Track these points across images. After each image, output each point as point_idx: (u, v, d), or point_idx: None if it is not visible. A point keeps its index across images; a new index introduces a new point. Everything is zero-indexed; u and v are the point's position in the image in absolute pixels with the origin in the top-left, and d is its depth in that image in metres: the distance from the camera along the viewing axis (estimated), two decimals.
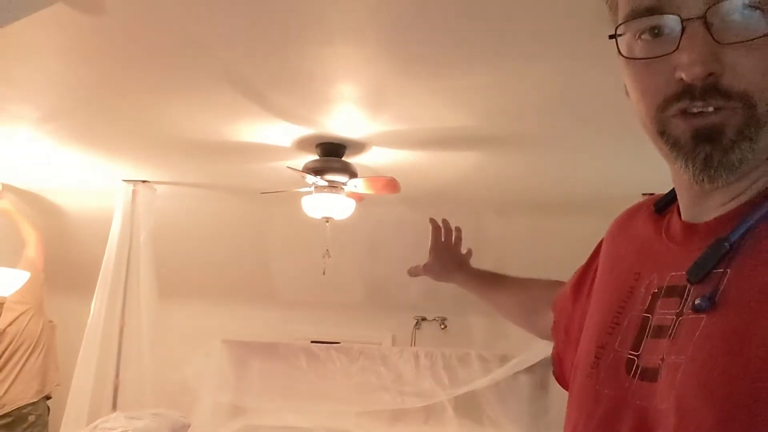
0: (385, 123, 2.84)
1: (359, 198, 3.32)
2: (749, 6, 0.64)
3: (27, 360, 3.98)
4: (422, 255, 1.53)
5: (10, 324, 3.89)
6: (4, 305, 3.63)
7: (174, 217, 4.33)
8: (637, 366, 0.70)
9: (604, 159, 3.15)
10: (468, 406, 3.38)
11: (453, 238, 1.51)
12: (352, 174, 3.10)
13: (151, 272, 4.04)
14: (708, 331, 0.63)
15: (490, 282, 1.39)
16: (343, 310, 4.82)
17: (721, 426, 0.58)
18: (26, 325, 3.99)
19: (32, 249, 4.08)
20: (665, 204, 0.83)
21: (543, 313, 1.13)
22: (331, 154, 3.10)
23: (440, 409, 3.34)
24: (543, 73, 2.25)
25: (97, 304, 3.84)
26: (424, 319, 4.90)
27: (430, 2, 1.85)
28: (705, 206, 0.73)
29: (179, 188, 4.13)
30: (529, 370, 3.36)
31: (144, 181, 3.99)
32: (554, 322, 1.05)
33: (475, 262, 1.48)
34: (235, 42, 2.14)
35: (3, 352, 3.87)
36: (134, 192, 4.00)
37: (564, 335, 1.00)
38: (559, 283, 1.12)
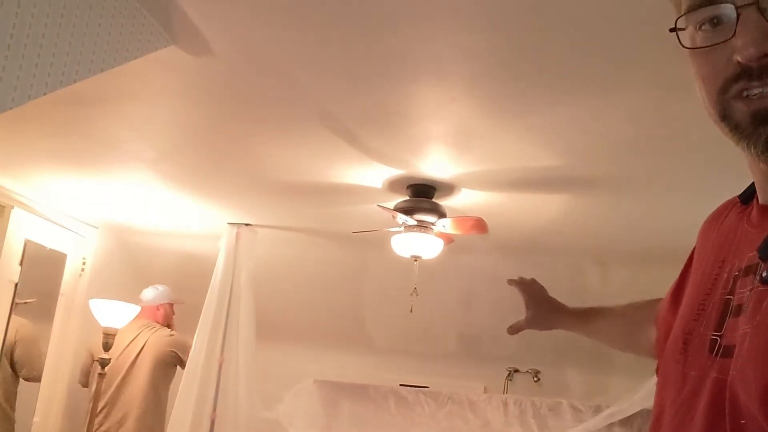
0: (473, 163, 2.89)
1: (448, 239, 3.36)
2: None
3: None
4: (516, 307, 1.58)
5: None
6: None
7: (273, 261, 4.51)
8: (720, 345, 0.72)
9: (706, 200, 3.02)
10: None
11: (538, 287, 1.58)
12: (441, 214, 3.15)
13: (250, 313, 4.21)
14: None
15: (591, 316, 1.45)
16: (435, 359, 4.80)
17: None
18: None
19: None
20: (750, 195, 0.85)
21: (646, 332, 1.16)
22: (421, 196, 3.17)
23: None
24: (631, 105, 2.22)
25: (199, 340, 4.04)
26: (516, 370, 4.79)
27: (513, 38, 1.90)
28: None
29: (278, 232, 4.32)
30: (626, 421, 3.19)
31: (247, 225, 4.22)
32: (657, 334, 1.05)
33: None
34: (330, 82, 2.25)
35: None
36: (238, 234, 4.22)
37: (665, 344, 1.01)
38: (659, 300, 1.13)
